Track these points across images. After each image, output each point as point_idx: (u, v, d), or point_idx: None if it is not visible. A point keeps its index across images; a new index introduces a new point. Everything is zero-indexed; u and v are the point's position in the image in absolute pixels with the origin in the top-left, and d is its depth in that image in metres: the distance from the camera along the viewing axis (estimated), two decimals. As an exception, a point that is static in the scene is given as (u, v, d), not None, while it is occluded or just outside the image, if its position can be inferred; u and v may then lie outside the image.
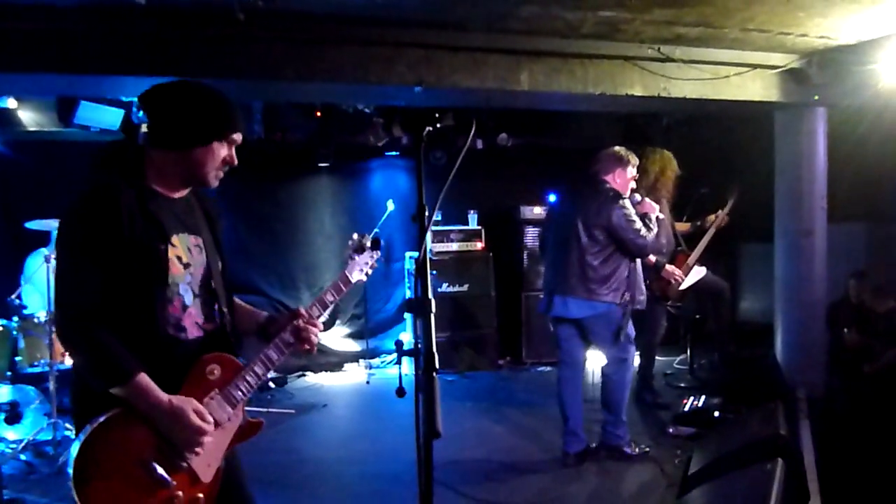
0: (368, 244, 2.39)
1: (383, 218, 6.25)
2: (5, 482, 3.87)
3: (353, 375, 6.71)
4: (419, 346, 1.49)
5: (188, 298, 1.95)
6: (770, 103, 4.99)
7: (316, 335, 2.13)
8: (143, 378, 1.78)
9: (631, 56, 4.52)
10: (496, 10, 3.86)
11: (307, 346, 2.11)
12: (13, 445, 4.30)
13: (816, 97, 4.90)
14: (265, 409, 5.34)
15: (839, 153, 5.29)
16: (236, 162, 1.98)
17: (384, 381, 6.49)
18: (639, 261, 4.31)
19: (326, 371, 6.77)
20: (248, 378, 2.00)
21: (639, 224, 4.05)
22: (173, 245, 1.91)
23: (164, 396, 1.80)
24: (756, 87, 4.86)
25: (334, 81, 4.20)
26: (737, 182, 5.56)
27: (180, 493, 1.83)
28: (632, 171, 4.21)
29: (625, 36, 4.33)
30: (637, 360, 5.44)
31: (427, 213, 1.60)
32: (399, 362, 6.42)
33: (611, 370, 4.32)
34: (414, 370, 1.49)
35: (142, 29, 3.73)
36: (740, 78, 4.77)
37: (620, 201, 4.07)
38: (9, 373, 4.55)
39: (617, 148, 4.25)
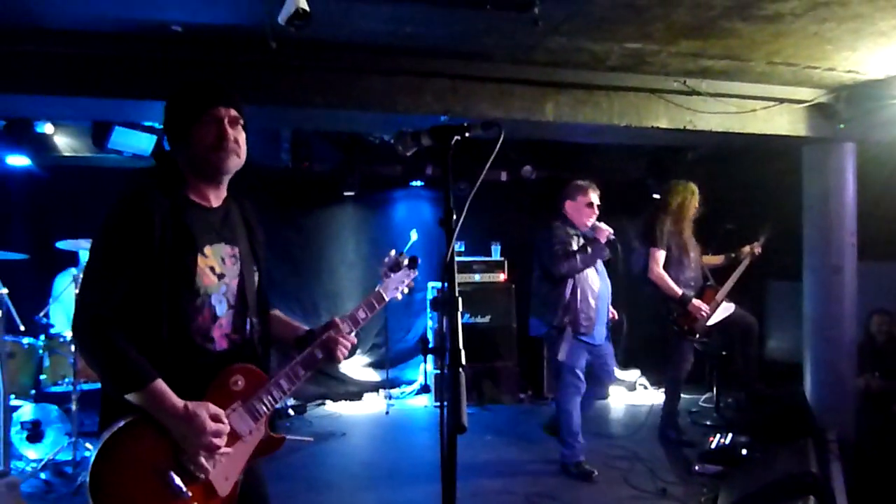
0: (405, 263, 2.36)
1: (406, 247, 6.30)
2: (25, 500, 3.87)
3: (373, 405, 6.66)
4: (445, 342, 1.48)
5: (220, 309, 1.94)
6: (797, 138, 4.96)
7: (346, 348, 2.10)
8: (159, 384, 1.76)
9: (657, 88, 4.54)
10: (523, 42, 3.90)
11: (335, 361, 2.08)
12: (33, 464, 4.32)
13: (842, 126, 4.83)
14: (284, 436, 5.31)
15: (870, 189, 5.21)
16: (229, 135, 1.92)
17: (404, 411, 6.43)
18: (593, 288, 4.42)
19: (346, 400, 6.73)
20: (273, 392, 1.98)
21: (558, 248, 4.32)
22: (205, 255, 1.91)
23: (180, 402, 1.78)
24: (783, 122, 4.83)
25: (362, 110, 4.26)
26: (770, 218, 5.49)
27: None
28: (584, 201, 4.46)
29: (651, 68, 4.36)
30: (654, 395, 5.37)
31: (455, 217, 1.61)
32: (425, 360, 6.60)
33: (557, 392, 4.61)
34: (438, 366, 1.49)
35: (176, 55, 3.84)
36: (767, 112, 4.75)
37: (552, 224, 4.46)
38: (32, 391, 4.59)
39: (578, 181, 4.56)
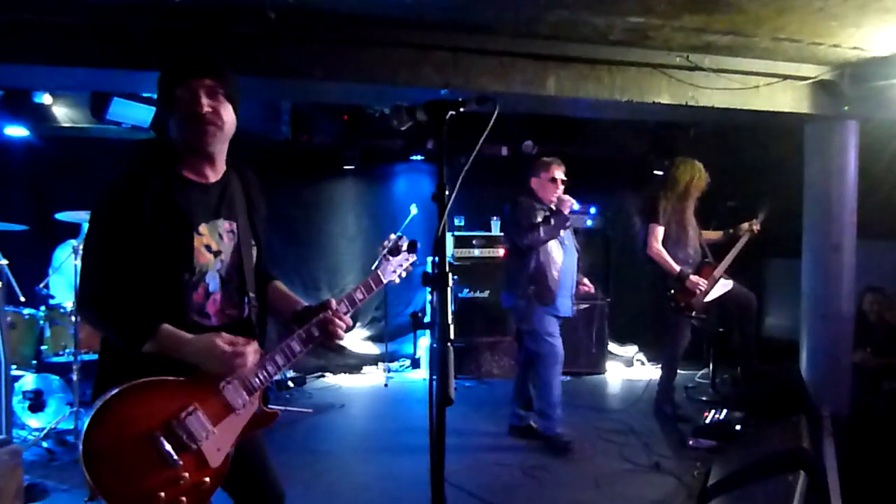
0: (404, 247, 2.36)
1: (406, 221, 6.34)
2: (27, 468, 3.93)
3: (372, 378, 6.72)
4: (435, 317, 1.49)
5: (213, 285, 1.96)
6: (800, 115, 4.92)
7: (342, 329, 2.11)
8: (167, 326, 1.82)
9: (659, 64, 4.49)
10: (525, 15, 3.86)
11: (333, 340, 2.10)
12: (35, 433, 4.38)
13: (846, 108, 4.80)
14: (283, 408, 5.37)
15: (871, 168, 5.19)
16: (202, 108, 1.87)
17: (402, 384, 6.48)
18: (555, 260, 4.49)
19: (345, 372, 6.79)
20: (268, 366, 2.00)
21: (523, 220, 4.45)
22: (200, 234, 1.92)
23: (191, 336, 1.84)
24: (786, 99, 4.79)
25: (362, 82, 4.22)
26: (768, 195, 5.48)
27: (186, 474, 1.82)
28: (547, 177, 4.55)
29: (653, 43, 4.31)
30: (651, 371, 5.40)
31: (447, 192, 1.61)
32: (415, 334, 6.63)
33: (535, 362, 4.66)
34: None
35: (175, 26, 3.80)
36: (770, 89, 4.71)
37: (518, 198, 4.57)
38: (34, 361, 4.63)
39: (544, 157, 4.66)
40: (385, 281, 2.32)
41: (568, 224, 4.56)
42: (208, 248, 1.94)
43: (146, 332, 1.80)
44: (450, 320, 1.48)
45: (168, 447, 1.78)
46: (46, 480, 3.78)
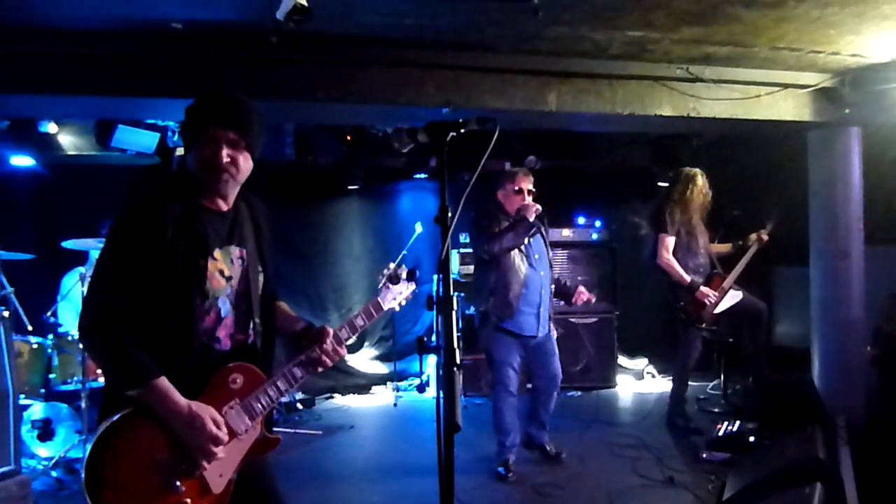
0: (404, 275, 2.39)
1: (412, 240, 6.34)
2: (36, 498, 3.91)
3: (381, 398, 6.68)
4: (440, 342, 1.49)
5: (224, 310, 1.98)
6: (802, 123, 4.92)
7: (336, 359, 2.13)
8: (163, 381, 1.80)
9: (660, 76, 4.51)
10: (525, 32, 3.88)
11: (322, 366, 2.11)
12: (45, 462, 4.35)
13: (847, 111, 4.79)
14: (292, 430, 5.35)
15: (875, 173, 5.17)
16: (221, 160, 1.90)
17: (412, 403, 6.45)
18: (518, 273, 4.21)
19: (354, 393, 6.76)
20: (270, 391, 2.01)
21: (485, 226, 4.24)
22: (215, 259, 1.94)
23: (183, 401, 1.82)
24: (788, 107, 4.80)
25: (364, 103, 4.26)
26: (776, 204, 5.46)
27: (189, 500, 1.82)
28: (512, 188, 4.32)
29: (653, 56, 4.33)
30: (662, 383, 5.34)
31: (450, 214, 1.60)
32: (421, 369, 6.40)
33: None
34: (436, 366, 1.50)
35: (177, 52, 3.84)
36: (771, 98, 4.72)
37: (481, 207, 4.40)
38: (42, 390, 4.62)
39: (511, 168, 4.58)
40: (385, 308, 2.34)
41: (533, 231, 4.29)
42: (221, 273, 1.96)
43: (140, 379, 1.78)
44: (455, 344, 1.47)
45: (170, 471, 1.79)
46: (56, 510, 3.76)
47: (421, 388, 6.62)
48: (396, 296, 2.38)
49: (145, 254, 1.82)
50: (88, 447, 1.75)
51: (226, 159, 1.91)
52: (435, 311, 1.55)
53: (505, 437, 4.33)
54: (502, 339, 4.26)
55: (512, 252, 4.22)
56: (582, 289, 4.59)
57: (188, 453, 1.84)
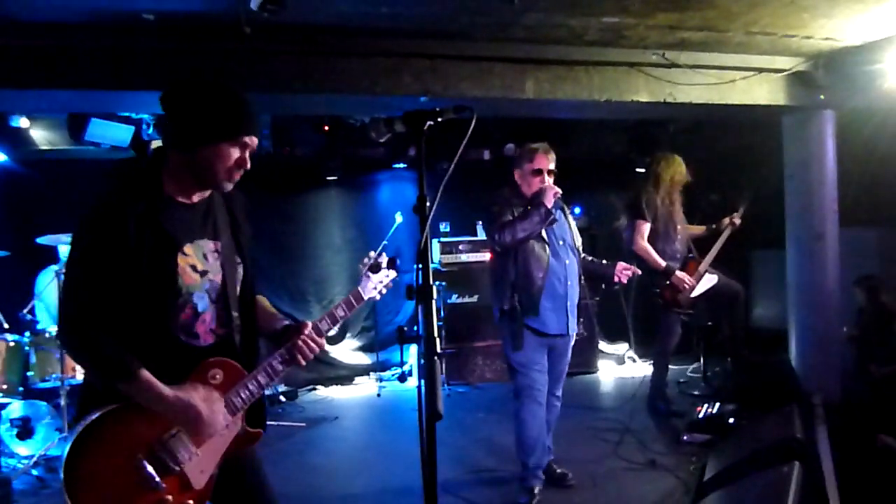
0: (384, 264, 2.39)
1: (392, 230, 6.32)
2: (16, 497, 3.88)
3: (364, 388, 6.69)
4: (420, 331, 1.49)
5: (202, 305, 1.95)
6: (777, 107, 4.97)
7: (315, 352, 2.11)
8: (145, 374, 1.78)
9: (636, 62, 4.53)
10: (501, 19, 3.87)
11: (304, 359, 2.09)
12: (25, 460, 4.31)
13: (822, 97, 4.85)
14: (276, 423, 5.33)
15: (849, 156, 5.25)
16: (249, 165, 1.92)
17: (394, 393, 6.46)
18: (539, 262, 3.67)
19: (337, 384, 6.77)
20: (250, 386, 1.99)
21: (496, 213, 3.71)
22: (185, 254, 1.90)
23: (168, 390, 1.81)
24: (762, 92, 4.84)
25: (341, 93, 4.22)
26: (748, 187, 5.53)
27: (170, 497, 1.81)
28: (530, 168, 3.75)
29: (629, 42, 4.34)
30: (643, 367, 5.39)
31: (428, 204, 1.60)
32: (402, 359, 6.36)
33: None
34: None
35: (150, 44, 3.78)
36: (746, 82, 4.76)
37: (498, 190, 3.88)
38: (20, 388, 4.56)
39: (530, 144, 3.85)
40: (366, 298, 2.34)
41: (551, 219, 3.70)
42: (193, 268, 1.92)
43: (126, 373, 1.76)
44: (436, 333, 1.47)
45: (150, 470, 1.78)
46: (38, 509, 3.73)
47: (403, 377, 6.63)
48: (377, 285, 2.38)
49: (110, 253, 1.78)
50: (66, 446, 1.73)
51: (248, 165, 1.93)
52: (415, 301, 1.55)
53: (528, 455, 3.75)
54: (528, 338, 3.69)
55: (530, 241, 3.68)
56: (622, 263, 4.00)
57: (167, 450, 1.82)
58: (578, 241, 3.96)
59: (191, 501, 1.86)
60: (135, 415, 1.79)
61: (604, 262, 4.06)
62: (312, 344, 2.09)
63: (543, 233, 3.71)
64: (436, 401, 1.35)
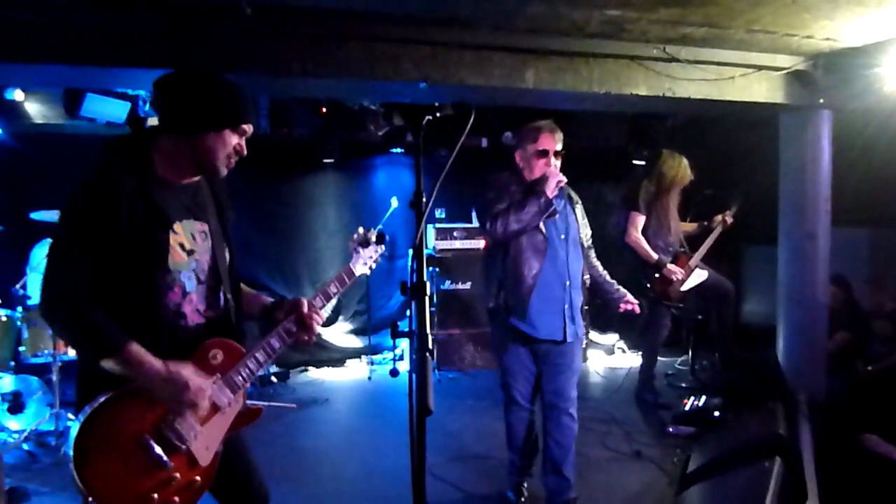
0: (373, 238, 2.42)
1: (387, 214, 6.33)
2: (7, 471, 3.90)
3: (355, 371, 6.73)
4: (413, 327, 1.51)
5: (190, 285, 1.97)
6: (775, 105, 4.98)
7: (318, 324, 2.14)
8: (135, 346, 1.79)
9: (636, 56, 4.52)
10: (503, 9, 3.86)
11: (307, 335, 2.13)
12: (15, 435, 4.33)
13: (821, 100, 4.88)
14: (266, 403, 5.36)
15: (844, 157, 5.27)
16: (245, 152, 2.00)
17: (386, 377, 6.50)
18: (530, 260, 3.30)
19: (328, 366, 6.80)
20: (250, 364, 2.04)
21: (491, 199, 3.35)
22: (175, 232, 1.93)
23: (159, 362, 1.82)
24: (761, 89, 4.84)
25: (340, 77, 4.19)
26: (741, 186, 5.56)
27: (178, 474, 1.86)
28: (534, 149, 3.37)
29: (630, 35, 4.33)
30: (632, 359, 5.44)
31: (424, 200, 1.62)
32: (395, 347, 6.38)
33: None
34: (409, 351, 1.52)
35: (149, 21, 3.75)
36: (745, 79, 4.76)
37: (492, 175, 3.52)
38: (12, 363, 4.58)
39: (536, 122, 3.48)
40: (357, 274, 2.38)
41: (552, 210, 3.28)
42: (182, 246, 1.95)
43: (113, 347, 1.77)
44: (428, 329, 1.49)
45: (158, 449, 1.82)
46: (27, 484, 3.76)
47: (394, 373, 6.47)
48: (367, 260, 2.42)
49: (102, 229, 1.80)
50: (74, 428, 1.76)
51: (244, 151, 2.01)
52: (409, 297, 1.57)
53: (515, 453, 3.61)
54: (513, 341, 3.38)
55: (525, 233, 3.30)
56: (629, 296, 3.71)
57: (173, 422, 1.86)
58: (586, 237, 3.57)
59: (198, 478, 1.92)
60: (139, 397, 1.82)
61: (616, 285, 3.73)
62: (311, 321, 2.13)
63: (542, 225, 3.31)
64: (427, 397, 1.38)
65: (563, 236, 3.40)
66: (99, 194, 1.80)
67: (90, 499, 1.74)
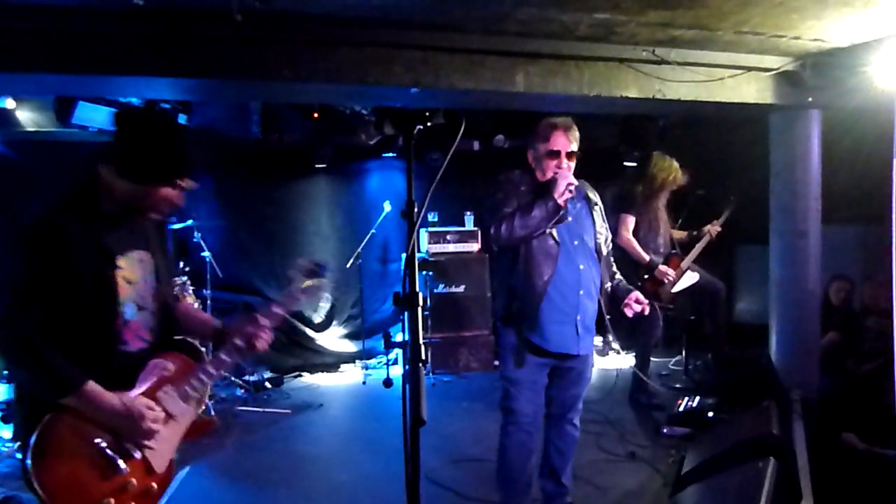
0: (314, 268, 2.35)
1: (380, 219, 6.33)
2: (1, 480, 3.88)
3: (349, 376, 6.72)
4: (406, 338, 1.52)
5: (130, 313, 2.04)
6: (764, 105, 5.01)
7: (266, 341, 2.22)
8: (91, 385, 1.87)
9: (626, 58, 4.54)
10: (493, 12, 3.87)
11: (253, 352, 2.22)
12: (9, 444, 4.31)
13: (810, 100, 4.92)
14: (261, 409, 5.36)
15: (833, 155, 5.32)
16: (182, 203, 2.09)
17: (380, 381, 6.48)
18: (540, 267, 3.06)
19: (322, 371, 6.79)
20: (201, 376, 2.12)
21: (499, 200, 3.15)
22: (120, 267, 2.00)
23: (115, 398, 1.90)
24: (750, 90, 4.88)
25: (331, 82, 4.20)
26: (732, 192, 5.61)
27: (134, 480, 1.93)
28: (545, 148, 3.16)
29: (620, 38, 4.35)
30: (625, 360, 5.45)
31: (416, 210, 1.62)
32: (388, 354, 6.35)
33: None
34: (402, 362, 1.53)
35: (139, 29, 3.74)
36: (735, 80, 4.79)
37: (501, 175, 3.31)
38: (5, 371, 4.55)
39: (550, 119, 3.27)
40: (300, 300, 2.31)
41: (561, 215, 3.02)
42: (127, 280, 2.02)
43: (71, 386, 1.85)
44: (421, 340, 1.50)
45: (112, 454, 1.88)
46: (21, 493, 3.73)
47: (388, 383, 6.34)
48: (304, 292, 2.31)
49: (53, 268, 1.86)
50: (32, 437, 1.81)
51: (181, 203, 2.11)
52: (401, 308, 1.57)
53: (503, 488, 3.22)
54: (522, 352, 3.10)
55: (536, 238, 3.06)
56: (638, 295, 3.28)
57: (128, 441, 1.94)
58: (605, 242, 3.29)
59: (154, 484, 2.00)
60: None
61: (633, 290, 3.34)
62: (264, 336, 2.21)
63: (554, 230, 3.07)
64: (420, 407, 1.38)
65: (576, 242, 3.14)
66: (49, 234, 1.87)
67: None
